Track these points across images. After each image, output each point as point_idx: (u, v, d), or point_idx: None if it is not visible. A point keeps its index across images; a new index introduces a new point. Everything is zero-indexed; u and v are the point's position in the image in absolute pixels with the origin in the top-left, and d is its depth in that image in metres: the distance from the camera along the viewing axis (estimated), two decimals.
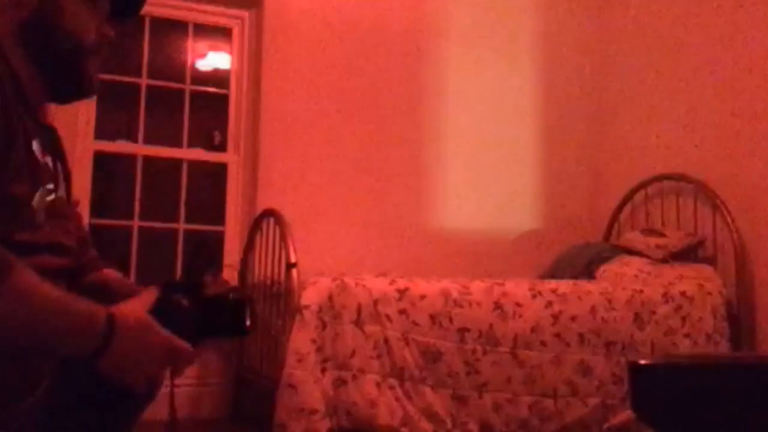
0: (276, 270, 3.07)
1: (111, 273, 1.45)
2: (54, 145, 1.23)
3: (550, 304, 3.03)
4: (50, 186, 1.17)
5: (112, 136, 3.68)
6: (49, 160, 1.18)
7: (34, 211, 1.11)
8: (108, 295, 1.39)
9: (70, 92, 1.26)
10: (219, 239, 3.78)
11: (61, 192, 1.21)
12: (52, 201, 1.16)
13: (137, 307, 1.15)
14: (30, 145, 1.12)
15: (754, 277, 3.44)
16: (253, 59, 3.85)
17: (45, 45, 1.17)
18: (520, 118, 4.33)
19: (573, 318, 3.04)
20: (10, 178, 1.06)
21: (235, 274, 3.53)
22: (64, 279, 1.21)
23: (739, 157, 3.57)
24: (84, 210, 3.32)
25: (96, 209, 3.56)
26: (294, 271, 2.82)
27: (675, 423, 1.03)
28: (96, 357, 1.07)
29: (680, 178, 3.81)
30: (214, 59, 4.20)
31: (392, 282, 2.88)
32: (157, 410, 1.34)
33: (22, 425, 1.13)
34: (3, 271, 0.97)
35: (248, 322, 1.29)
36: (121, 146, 3.71)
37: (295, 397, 2.59)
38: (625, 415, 2.99)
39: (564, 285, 3.18)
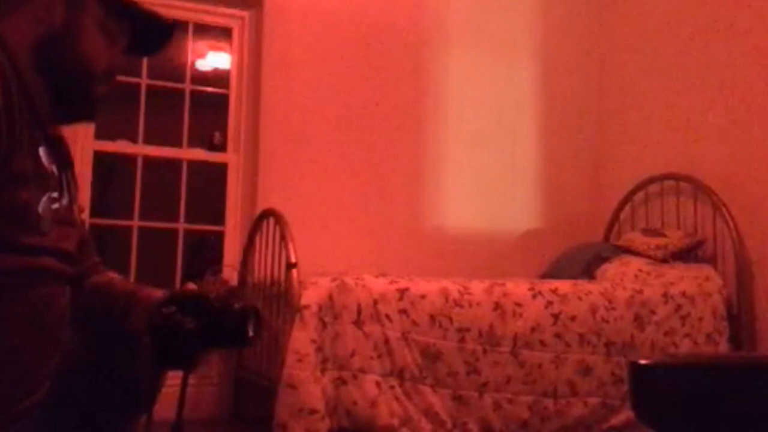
0: (276, 270, 3.07)
1: (113, 275, 1.45)
2: (61, 154, 1.23)
3: (550, 304, 3.03)
4: (55, 194, 1.17)
5: (112, 136, 3.67)
6: (55, 168, 1.19)
7: (40, 217, 1.11)
8: (110, 296, 1.40)
9: (72, 113, 1.27)
10: (219, 239, 3.78)
11: (66, 200, 1.22)
12: (57, 209, 1.17)
13: None
14: (37, 152, 1.12)
15: (754, 277, 3.44)
16: (253, 59, 3.85)
17: (56, 64, 1.18)
18: (520, 118, 4.33)
19: (573, 318, 3.04)
20: (16, 183, 1.07)
21: (235, 274, 3.53)
22: (67, 285, 1.21)
23: (739, 157, 3.57)
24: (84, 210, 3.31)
25: (96, 209, 3.56)
26: (294, 271, 2.82)
27: (675, 423, 1.03)
28: None
29: (680, 178, 3.81)
30: (214, 59, 4.21)
31: (392, 282, 2.88)
32: (163, 410, 1.33)
33: (25, 425, 1.13)
34: None
35: (251, 333, 1.28)
36: (121, 146, 3.71)
37: (295, 397, 2.59)
38: (625, 415, 2.99)
39: (564, 285, 3.18)
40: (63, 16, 1.18)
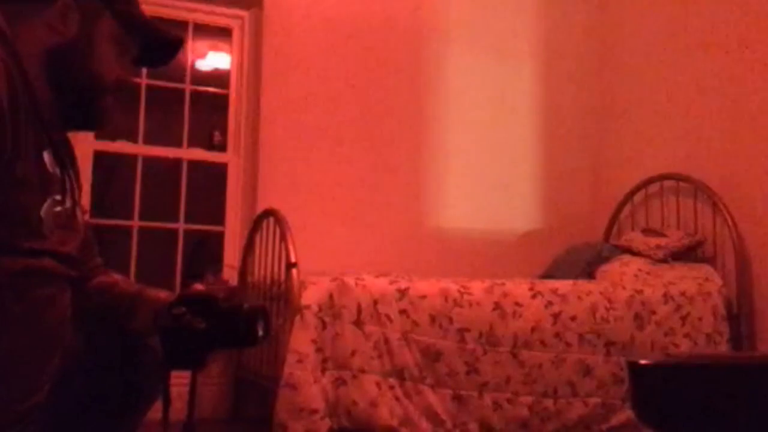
0: (276, 270, 3.07)
1: (116, 276, 1.45)
2: (66, 157, 1.24)
3: (550, 304, 3.03)
4: (58, 197, 1.17)
5: (112, 136, 3.68)
6: (58, 171, 1.19)
7: (42, 221, 1.11)
8: (114, 297, 1.40)
9: (81, 123, 1.28)
10: (219, 239, 3.78)
11: (70, 203, 1.22)
12: (59, 212, 1.17)
13: None
14: (41, 156, 1.12)
15: (754, 277, 3.43)
16: (253, 59, 3.85)
17: (67, 76, 1.18)
18: (520, 118, 4.33)
19: (573, 318, 3.04)
20: (19, 187, 1.07)
21: (235, 274, 3.53)
22: (68, 286, 1.21)
23: (739, 157, 3.57)
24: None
25: (96, 209, 3.56)
26: (294, 271, 2.82)
27: (675, 423, 1.03)
28: None
29: (680, 178, 3.81)
30: (214, 59, 4.20)
31: (392, 282, 2.88)
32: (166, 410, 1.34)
33: (26, 426, 1.13)
34: None
35: (261, 333, 1.30)
36: (121, 146, 3.71)
37: (295, 397, 2.59)
38: (625, 415, 2.99)
39: (564, 285, 3.18)
40: (78, 26, 1.18)
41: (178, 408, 1.30)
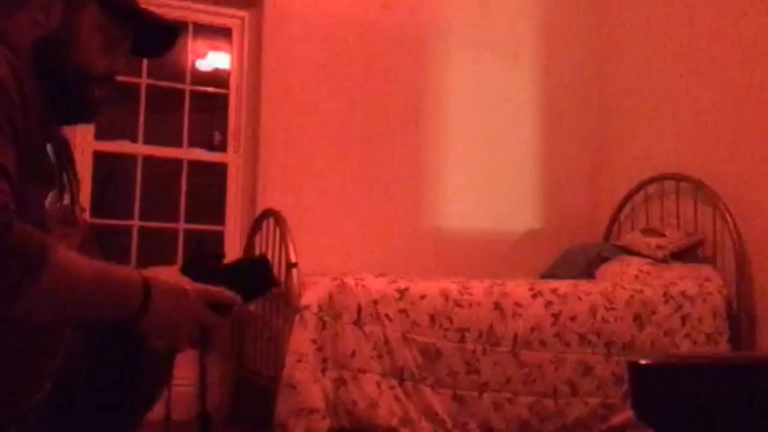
0: (276, 270, 3.07)
1: None
2: (63, 153, 1.23)
3: (550, 304, 3.04)
4: (57, 193, 1.17)
5: (112, 136, 3.68)
6: (56, 167, 1.19)
7: (46, 213, 1.11)
8: None
9: (70, 115, 1.26)
10: (219, 239, 3.78)
11: (68, 199, 1.22)
12: (59, 207, 1.17)
13: (170, 271, 1.18)
14: (44, 149, 1.12)
15: (754, 277, 3.43)
16: (253, 59, 3.85)
17: (52, 68, 1.17)
18: (520, 117, 4.33)
19: (573, 318, 3.04)
20: (26, 179, 1.07)
21: None
22: None
23: (739, 157, 3.57)
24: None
25: (96, 209, 3.56)
26: (294, 271, 2.82)
27: (675, 423, 1.03)
28: (135, 320, 1.09)
29: (680, 178, 3.81)
30: (214, 59, 4.20)
31: (392, 282, 2.88)
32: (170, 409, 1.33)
33: (27, 425, 1.13)
34: (44, 251, 0.98)
35: (276, 274, 1.35)
36: (121, 146, 3.71)
37: (295, 397, 2.59)
38: (625, 415, 2.99)
39: (564, 285, 3.18)
40: (61, 18, 1.17)
41: (182, 406, 1.30)
